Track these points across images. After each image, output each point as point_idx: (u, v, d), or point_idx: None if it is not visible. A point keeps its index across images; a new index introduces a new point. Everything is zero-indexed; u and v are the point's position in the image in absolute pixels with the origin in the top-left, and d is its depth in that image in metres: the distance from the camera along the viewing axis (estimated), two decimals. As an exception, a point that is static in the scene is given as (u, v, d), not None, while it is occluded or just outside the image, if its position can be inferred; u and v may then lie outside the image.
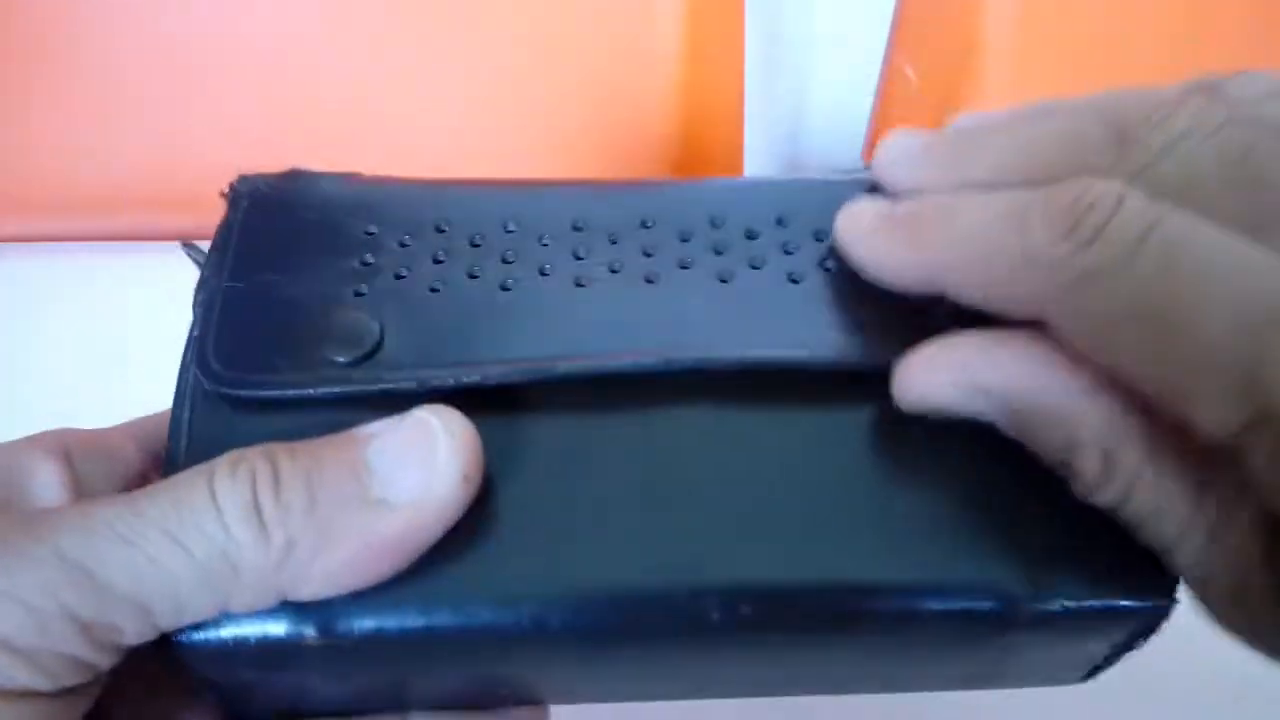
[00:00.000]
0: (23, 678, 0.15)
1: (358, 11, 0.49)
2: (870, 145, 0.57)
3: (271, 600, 0.16)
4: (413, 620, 0.17)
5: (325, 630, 0.17)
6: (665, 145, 0.53)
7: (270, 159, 0.50)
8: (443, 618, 0.17)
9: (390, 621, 0.17)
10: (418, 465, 0.17)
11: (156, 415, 0.23)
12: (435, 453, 0.17)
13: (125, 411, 0.45)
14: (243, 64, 0.49)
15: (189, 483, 0.16)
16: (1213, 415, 0.14)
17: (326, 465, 0.16)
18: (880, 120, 0.57)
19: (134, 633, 0.16)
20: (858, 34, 0.55)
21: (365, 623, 0.17)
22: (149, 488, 0.16)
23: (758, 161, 0.58)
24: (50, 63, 0.49)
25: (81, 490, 0.20)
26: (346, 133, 0.49)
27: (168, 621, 0.16)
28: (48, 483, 0.19)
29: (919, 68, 0.53)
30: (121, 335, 0.46)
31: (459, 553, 0.17)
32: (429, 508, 0.16)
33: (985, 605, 0.18)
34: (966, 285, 0.17)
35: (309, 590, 0.16)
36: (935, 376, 0.17)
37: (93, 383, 0.43)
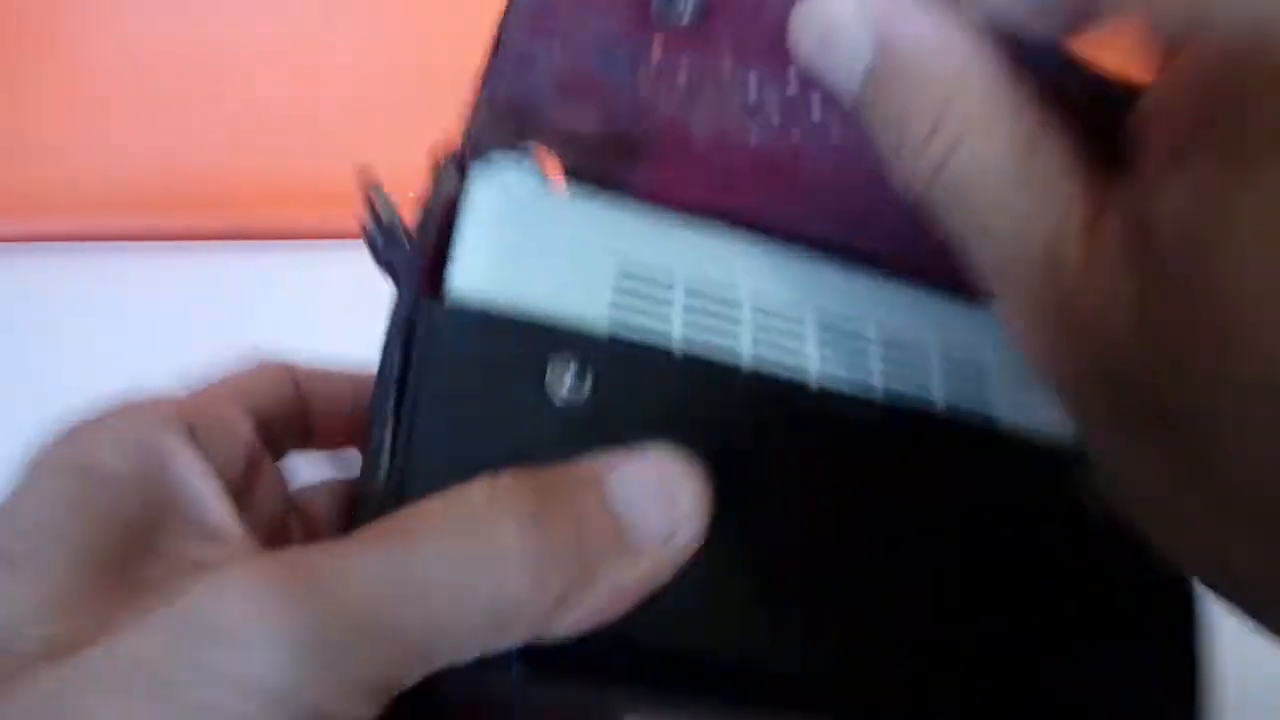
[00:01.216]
0: None
1: (356, 12, 0.49)
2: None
3: (524, 641, 0.16)
4: (617, 664, 0.17)
5: (532, 662, 0.16)
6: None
7: (269, 159, 0.50)
8: (649, 669, 0.17)
9: (596, 663, 0.17)
10: (662, 509, 0.16)
11: (248, 375, 0.22)
12: (679, 497, 0.17)
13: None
14: (243, 64, 0.49)
15: (464, 529, 0.15)
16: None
17: (590, 513, 0.16)
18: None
19: (415, 679, 0.15)
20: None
21: (570, 660, 0.17)
22: (412, 527, 0.15)
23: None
24: (51, 63, 0.49)
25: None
26: (346, 133, 0.49)
27: (441, 666, 0.15)
28: (188, 468, 0.17)
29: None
30: (122, 334, 0.46)
31: (667, 602, 0.17)
32: (671, 554, 0.16)
33: None
34: None
35: (558, 632, 0.16)
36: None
37: (92, 382, 0.43)
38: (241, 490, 0.19)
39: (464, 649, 0.15)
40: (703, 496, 0.17)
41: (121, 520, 0.16)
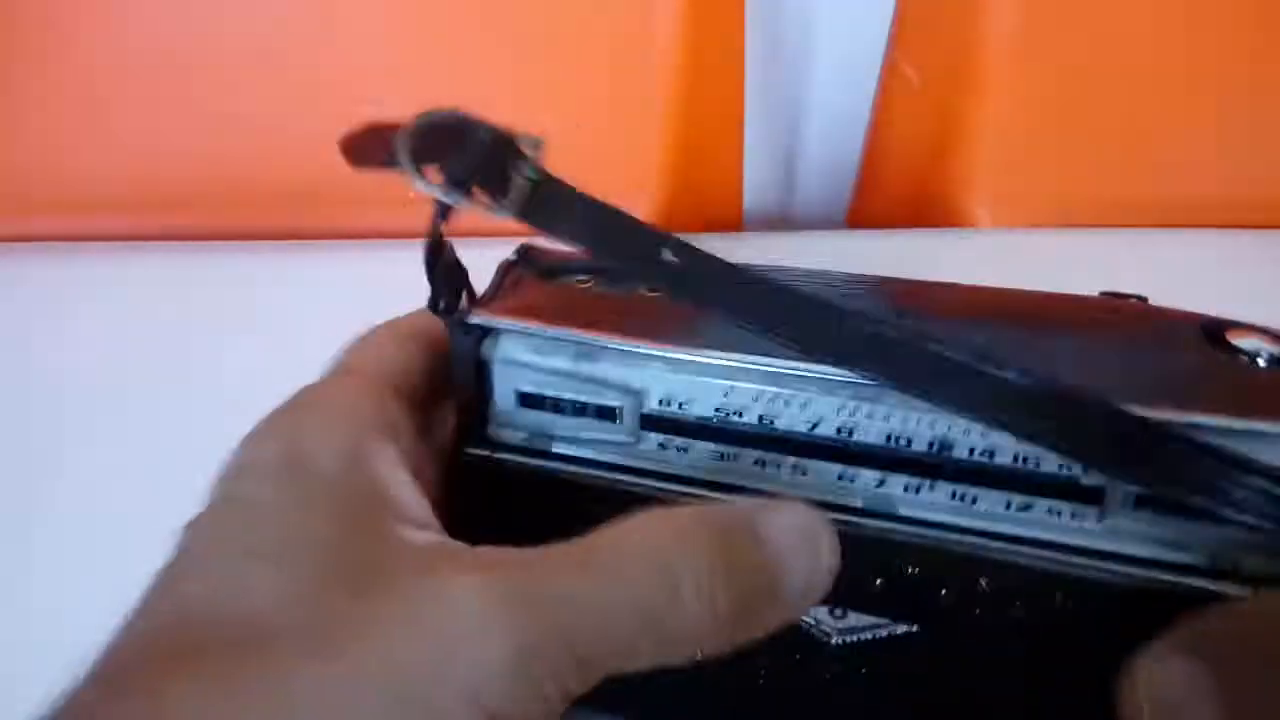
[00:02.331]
0: None
1: (357, 14, 0.49)
2: (870, 145, 0.57)
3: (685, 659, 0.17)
4: None
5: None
6: (665, 144, 0.53)
7: (269, 159, 0.50)
8: None
9: None
10: (806, 558, 0.17)
11: (401, 347, 0.22)
12: (820, 546, 0.17)
13: (124, 411, 0.44)
14: (242, 64, 0.49)
15: (657, 571, 0.16)
16: None
17: (756, 567, 0.17)
18: (880, 120, 0.57)
19: (588, 689, 0.16)
20: (858, 34, 0.55)
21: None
22: (611, 561, 0.16)
23: (758, 161, 0.58)
24: (50, 63, 0.49)
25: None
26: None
27: (612, 674, 0.17)
28: (388, 465, 0.19)
29: (919, 68, 0.53)
30: (121, 335, 0.46)
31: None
32: (808, 601, 0.17)
33: None
34: None
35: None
36: None
37: (92, 382, 0.43)
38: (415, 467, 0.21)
39: (639, 665, 0.17)
40: (836, 552, 0.17)
41: (339, 513, 0.18)
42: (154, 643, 0.16)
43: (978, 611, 0.20)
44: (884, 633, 0.21)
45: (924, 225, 0.54)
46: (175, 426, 0.41)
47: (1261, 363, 0.19)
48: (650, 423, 0.21)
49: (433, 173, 0.19)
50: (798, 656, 0.22)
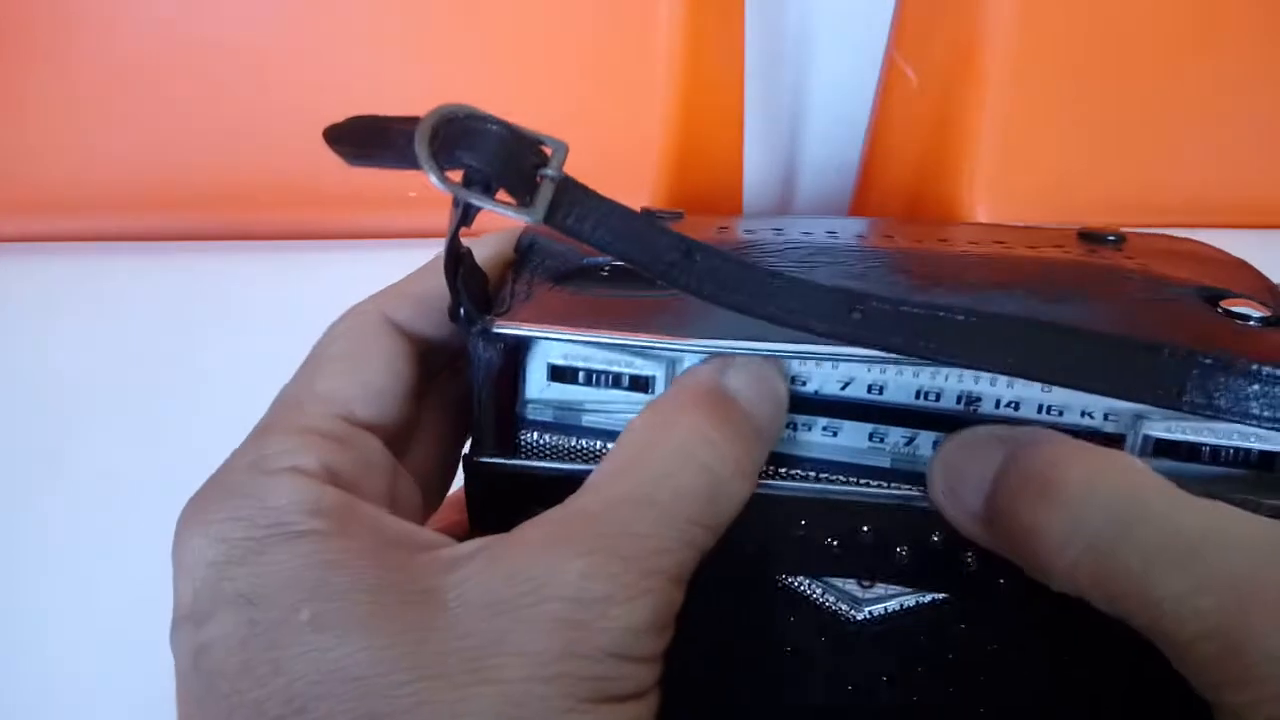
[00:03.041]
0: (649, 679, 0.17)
1: (356, 16, 0.49)
2: (870, 145, 0.57)
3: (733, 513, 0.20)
4: None
5: None
6: (665, 144, 0.53)
7: (269, 159, 0.50)
8: None
9: None
10: (770, 401, 0.20)
11: (340, 380, 0.21)
12: (775, 389, 0.20)
13: (124, 411, 0.44)
14: (241, 64, 0.49)
15: (671, 464, 0.18)
16: None
17: (739, 419, 0.20)
18: (880, 120, 0.57)
19: (686, 567, 0.18)
20: (858, 34, 0.55)
21: None
22: (633, 461, 0.18)
23: (758, 161, 0.58)
24: (50, 63, 0.49)
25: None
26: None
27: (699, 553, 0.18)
28: (381, 517, 0.19)
29: (919, 68, 0.53)
30: (121, 335, 0.46)
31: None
32: (778, 435, 0.21)
33: None
34: None
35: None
36: None
37: (92, 382, 0.43)
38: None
39: (708, 537, 0.18)
40: (785, 384, 0.21)
41: (355, 561, 0.17)
42: None
43: (1002, 577, 0.20)
44: (911, 602, 0.22)
45: (924, 225, 0.54)
46: (174, 425, 0.41)
47: (1253, 323, 0.21)
48: None
49: (449, 172, 0.18)
50: (823, 630, 0.22)
